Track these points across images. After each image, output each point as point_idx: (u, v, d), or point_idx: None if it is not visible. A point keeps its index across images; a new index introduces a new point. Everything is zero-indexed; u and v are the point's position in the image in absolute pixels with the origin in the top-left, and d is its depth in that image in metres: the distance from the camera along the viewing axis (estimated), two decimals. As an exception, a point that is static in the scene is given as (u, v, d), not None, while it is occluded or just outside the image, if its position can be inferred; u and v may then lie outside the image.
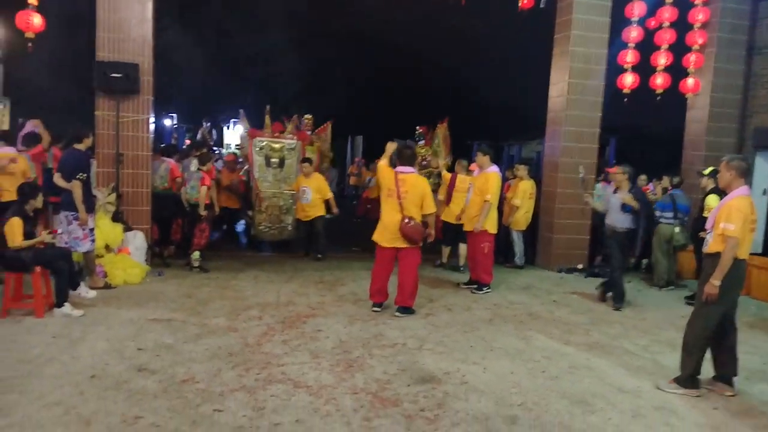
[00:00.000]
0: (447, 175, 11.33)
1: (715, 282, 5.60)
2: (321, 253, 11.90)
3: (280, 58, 26.48)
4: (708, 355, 5.97)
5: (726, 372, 6.00)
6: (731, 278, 5.63)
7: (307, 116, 14.26)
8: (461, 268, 11.33)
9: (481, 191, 9.57)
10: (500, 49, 22.73)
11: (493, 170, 9.63)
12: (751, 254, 5.99)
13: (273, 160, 12.32)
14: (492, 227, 9.68)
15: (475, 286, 9.75)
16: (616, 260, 9.16)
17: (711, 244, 5.78)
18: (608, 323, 8.35)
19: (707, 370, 6.02)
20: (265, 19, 23.47)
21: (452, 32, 20.99)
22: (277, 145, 12.37)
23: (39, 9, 9.40)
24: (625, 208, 8.86)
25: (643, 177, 12.46)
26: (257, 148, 12.29)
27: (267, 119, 12.54)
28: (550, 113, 12.32)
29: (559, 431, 4.91)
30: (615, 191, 9.15)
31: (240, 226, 14.13)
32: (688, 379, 5.89)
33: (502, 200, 11.02)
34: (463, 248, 11.17)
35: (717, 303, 5.70)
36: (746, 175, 5.85)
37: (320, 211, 11.93)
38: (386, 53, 26.51)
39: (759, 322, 8.92)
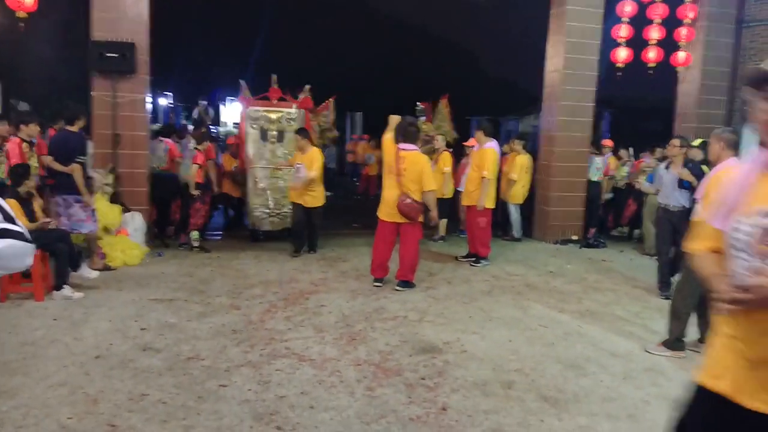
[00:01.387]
0: (447, 155, 11.37)
1: None
2: (314, 249, 10.38)
3: (278, 33, 26.28)
4: (692, 319, 6.17)
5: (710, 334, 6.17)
6: None
7: (306, 87, 11.50)
8: (444, 239, 11.79)
9: (478, 167, 9.65)
10: (498, 24, 22.68)
11: (491, 146, 9.68)
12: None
13: (271, 133, 10.75)
14: (489, 202, 9.77)
15: (474, 259, 9.86)
16: (662, 243, 8.42)
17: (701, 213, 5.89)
18: (601, 291, 8.53)
19: (692, 332, 6.22)
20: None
21: (450, 6, 20.95)
22: (274, 115, 10.77)
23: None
24: (683, 183, 8.05)
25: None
26: (251, 120, 10.77)
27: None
28: (546, 88, 12.37)
29: (554, 394, 5.06)
30: (667, 166, 8.41)
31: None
32: (675, 342, 6.10)
33: (499, 174, 11.05)
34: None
35: None
36: (735, 147, 5.97)
37: (320, 201, 10.19)
38: (384, 28, 26.37)
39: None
